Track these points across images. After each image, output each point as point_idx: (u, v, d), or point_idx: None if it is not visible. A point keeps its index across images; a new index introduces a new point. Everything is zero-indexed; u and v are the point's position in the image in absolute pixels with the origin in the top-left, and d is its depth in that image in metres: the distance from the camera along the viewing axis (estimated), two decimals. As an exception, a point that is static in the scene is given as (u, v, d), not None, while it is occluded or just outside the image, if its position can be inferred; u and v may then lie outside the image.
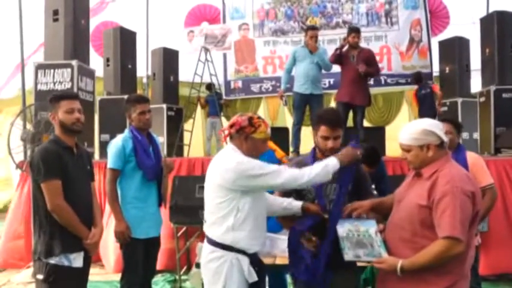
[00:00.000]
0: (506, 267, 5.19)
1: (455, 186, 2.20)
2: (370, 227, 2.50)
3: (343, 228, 2.51)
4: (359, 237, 2.46)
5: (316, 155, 2.83)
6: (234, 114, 2.80)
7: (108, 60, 7.68)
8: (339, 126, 2.71)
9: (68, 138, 2.79)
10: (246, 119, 2.55)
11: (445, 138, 2.38)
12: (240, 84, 10.92)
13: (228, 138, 2.66)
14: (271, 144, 4.19)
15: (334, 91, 7.29)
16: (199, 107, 10.25)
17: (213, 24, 10.73)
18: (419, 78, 8.69)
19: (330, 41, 10.24)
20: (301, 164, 2.70)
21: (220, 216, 2.53)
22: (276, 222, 2.96)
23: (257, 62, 10.86)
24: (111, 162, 3.40)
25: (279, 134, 6.56)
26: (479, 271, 3.96)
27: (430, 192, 2.25)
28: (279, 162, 3.84)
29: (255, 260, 2.53)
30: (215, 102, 9.34)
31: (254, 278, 2.49)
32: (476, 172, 3.44)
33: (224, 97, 10.55)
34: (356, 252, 2.41)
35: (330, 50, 6.89)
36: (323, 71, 6.55)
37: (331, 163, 2.51)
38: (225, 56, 10.82)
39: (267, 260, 3.09)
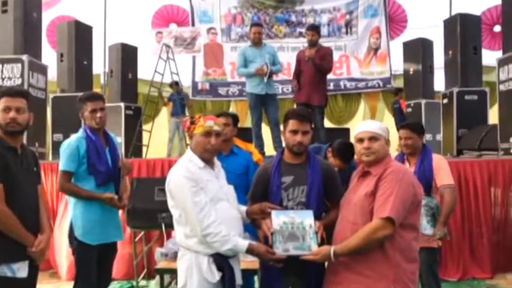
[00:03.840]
0: (466, 270, 5.33)
1: (396, 173, 2.38)
2: (306, 219, 2.56)
3: (278, 220, 2.56)
4: (292, 229, 2.53)
5: (283, 157, 2.82)
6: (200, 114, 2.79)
7: (62, 55, 7.47)
8: (308, 121, 2.76)
9: (10, 138, 2.65)
10: (188, 119, 2.63)
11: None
12: (207, 86, 11.28)
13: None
14: (248, 147, 4.16)
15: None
16: (163, 107, 10.18)
17: (182, 27, 10.90)
18: (396, 92, 9.67)
19: (294, 48, 10.92)
20: (263, 176, 2.79)
21: (175, 221, 2.59)
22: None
23: (225, 66, 11.30)
24: (63, 163, 3.28)
25: (245, 135, 6.54)
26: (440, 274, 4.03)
27: (377, 182, 2.40)
28: (256, 165, 3.81)
29: (219, 260, 2.50)
30: (179, 102, 9.21)
31: (215, 277, 2.48)
32: (439, 170, 3.54)
33: (191, 97, 10.54)
34: (286, 247, 2.48)
35: (293, 56, 7.26)
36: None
37: (239, 247, 2.49)
38: (193, 57, 11.12)
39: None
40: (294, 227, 2.53)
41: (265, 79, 6.24)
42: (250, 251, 2.50)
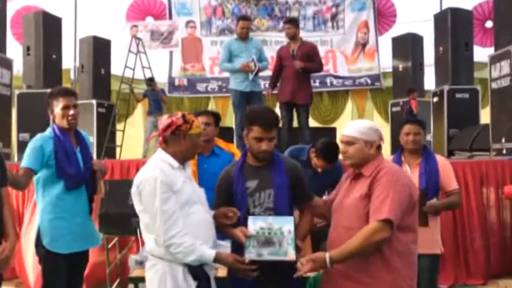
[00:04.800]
0: (457, 276, 5.39)
1: (391, 174, 2.40)
2: (285, 225, 2.54)
3: (254, 226, 2.54)
4: (269, 235, 2.51)
5: (247, 159, 2.77)
6: (177, 112, 2.74)
7: (28, 49, 7.37)
8: (274, 127, 2.68)
9: None
10: (180, 118, 2.56)
11: (382, 144, 2.59)
12: (185, 82, 11.25)
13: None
14: (230, 147, 4.16)
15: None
16: (139, 105, 10.09)
17: (159, 20, 10.89)
18: (408, 93, 9.31)
19: (277, 42, 10.93)
20: (227, 181, 2.73)
21: (144, 228, 2.55)
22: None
23: (204, 62, 11.32)
24: (23, 160, 3.21)
25: (226, 134, 6.53)
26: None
27: (371, 184, 2.41)
28: None
29: (194, 268, 2.48)
30: (156, 100, 9.11)
31: (191, 287, 2.45)
32: (446, 175, 3.52)
33: (168, 94, 10.48)
34: (259, 251, 2.47)
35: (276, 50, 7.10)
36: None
37: (206, 257, 2.43)
38: (171, 52, 11.13)
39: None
40: (272, 232, 2.52)
41: (251, 76, 6.22)
42: (218, 260, 2.46)
